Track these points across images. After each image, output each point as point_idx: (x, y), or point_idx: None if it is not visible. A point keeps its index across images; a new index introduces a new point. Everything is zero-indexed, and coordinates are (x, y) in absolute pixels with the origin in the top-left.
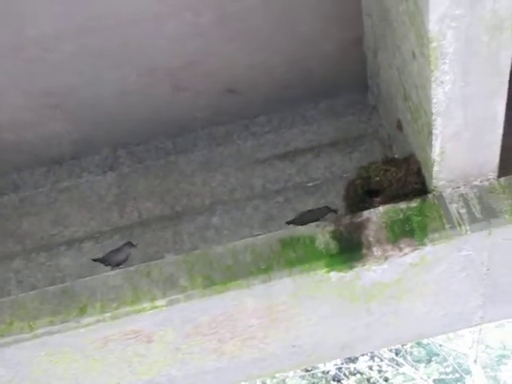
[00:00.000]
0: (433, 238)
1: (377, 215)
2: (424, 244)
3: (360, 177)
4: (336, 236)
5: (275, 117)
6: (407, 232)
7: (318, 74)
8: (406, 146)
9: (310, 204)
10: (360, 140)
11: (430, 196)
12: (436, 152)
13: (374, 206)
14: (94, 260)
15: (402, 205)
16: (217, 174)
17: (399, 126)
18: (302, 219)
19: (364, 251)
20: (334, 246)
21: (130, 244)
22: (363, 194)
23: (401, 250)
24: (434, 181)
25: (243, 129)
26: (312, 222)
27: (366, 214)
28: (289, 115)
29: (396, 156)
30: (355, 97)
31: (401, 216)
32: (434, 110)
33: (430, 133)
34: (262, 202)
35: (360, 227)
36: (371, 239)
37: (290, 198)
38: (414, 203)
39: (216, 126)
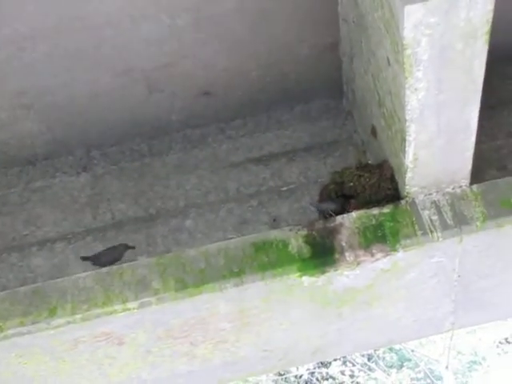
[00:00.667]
0: (405, 244)
1: (350, 220)
2: (396, 250)
3: (334, 182)
4: (309, 240)
5: (250, 120)
6: (379, 238)
7: (294, 79)
8: (379, 152)
9: (284, 208)
10: (334, 145)
11: (402, 202)
12: (409, 158)
13: (347, 211)
14: (84, 258)
15: (375, 210)
16: (191, 177)
17: (373, 132)
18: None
19: (336, 256)
20: (306, 250)
21: (124, 246)
22: (337, 199)
23: (373, 255)
24: (407, 187)
25: (218, 132)
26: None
27: (339, 219)
28: (264, 119)
29: (370, 162)
30: (330, 102)
31: (373, 222)
32: (407, 117)
33: (404, 139)
34: (236, 205)
35: (333, 232)
36: (344, 244)
37: (264, 202)
38: (387, 209)
39: (191, 128)
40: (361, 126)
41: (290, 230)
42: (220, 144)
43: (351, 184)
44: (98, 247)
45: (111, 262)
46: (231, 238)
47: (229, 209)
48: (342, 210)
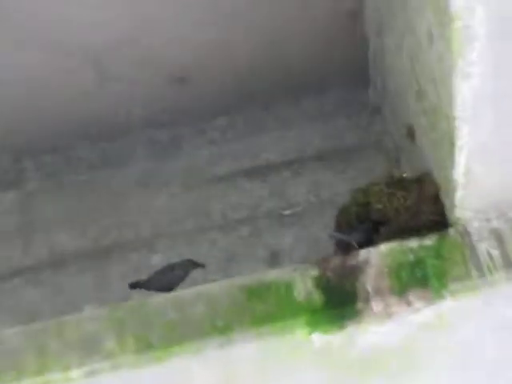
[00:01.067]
0: (454, 288)
1: (378, 256)
2: (442, 297)
3: (356, 203)
4: (321, 284)
5: (240, 118)
6: (419, 280)
7: (301, 61)
8: (419, 161)
9: (288, 238)
10: (356, 152)
11: (451, 231)
12: (460, 171)
13: (375, 243)
14: (132, 286)
15: (413, 242)
16: (160, 196)
17: (410, 135)
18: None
19: (359, 306)
20: (318, 297)
21: (191, 263)
22: (360, 227)
23: (410, 304)
24: (457, 210)
25: (197, 134)
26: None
27: (362, 254)
28: (259, 116)
29: (405, 175)
30: (350, 94)
31: (411, 258)
32: (457, 113)
33: (453, 144)
34: (221, 234)
35: (354, 272)
36: (369, 289)
37: (260, 231)
38: (429, 240)
39: (159, 128)
40: (393, 126)
41: (295, 270)
42: (198, 150)
43: (380, 206)
44: (30, 293)
45: (168, 287)
46: (214, 281)
47: (211, 239)
48: (367, 242)
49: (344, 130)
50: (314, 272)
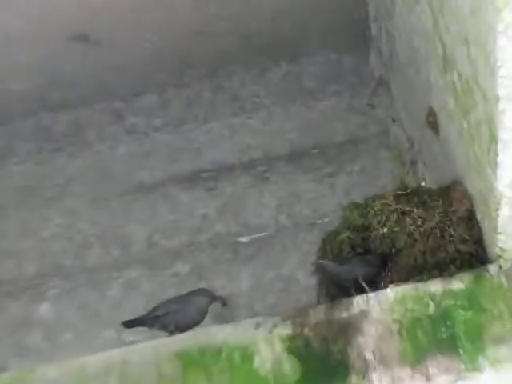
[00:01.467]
0: (495, 355)
1: (382, 306)
2: (478, 368)
3: (349, 225)
4: (296, 348)
5: (178, 93)
6: (443, 343)
7: (269, 15)
8: (443, 163)
9: (245, 277)
10: (350, 147)
11: (490, 269)
12: (506, 178)
13: (379, 287)
14: (126, 325)
15: (435, 285)
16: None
17: (431, 122)
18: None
19: (353, 381)
20: (290, 368)
21: (208, 295)
22: (354, 259)
23: (430, 379)
24: (501, 238)
25: (110, 114)
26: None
27: (359, 302)
28: (207, 89)
29: (423, 184)
30: (343, 59)
31: (431, 309)
32: (500, 91)
33: (494, 138)
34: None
35: (346, 331)
36: (369, 357)
37: (205, 266)
38: (459, 283)
39: (53, 111)
40: (404, 110)
41: (257, 327)
42: (114, 141)
43: (385, 230)
44: None
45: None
46: (134, 342)
47: (108, 278)
48: (368, 282)
49: (333, 114)
50: (286, 330)
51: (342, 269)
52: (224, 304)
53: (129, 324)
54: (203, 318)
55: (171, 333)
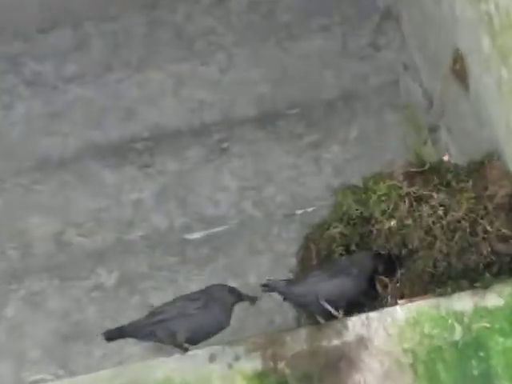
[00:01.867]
0: None
1: (387, 330)
2: None
3: (340, 216)
4: None
5: (101, 29)
6: (474, 382)
7: None
8: (475, 127)
9: (196, 284)
10: (342, 105)
11: None
12: None
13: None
14: (109, 336)
15: (463, 300)
16: None
17: (458, 71)
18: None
19: None
20: None
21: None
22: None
23: None
24: None
25: (4, 60)
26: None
27: (355, 325)
28: (142, 23)
29: (447, 158)
30: None
31: (457, 335)
32: None
33: None
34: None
35: (337, 365)
36: None
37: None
38: (497, 296)
39: None
40: (422, 52)
41: (212, 359)
42: None
43: (393, 223)
44: None
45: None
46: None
47: (3, 291)
48: (365, 296)
49: (319, 59)
50: (252, 364)
51: (297, 289)
52: (253, 302)
53: (112, 334)
54: (229, 322)
55: (180, 346)
